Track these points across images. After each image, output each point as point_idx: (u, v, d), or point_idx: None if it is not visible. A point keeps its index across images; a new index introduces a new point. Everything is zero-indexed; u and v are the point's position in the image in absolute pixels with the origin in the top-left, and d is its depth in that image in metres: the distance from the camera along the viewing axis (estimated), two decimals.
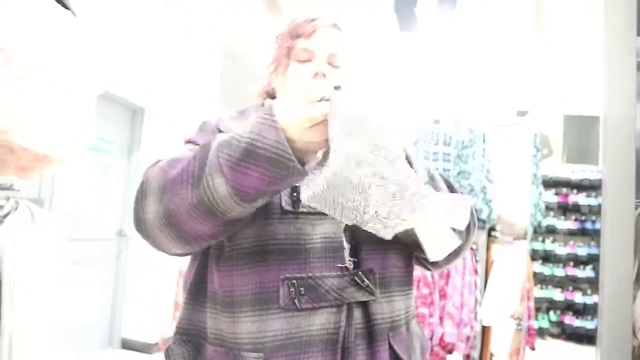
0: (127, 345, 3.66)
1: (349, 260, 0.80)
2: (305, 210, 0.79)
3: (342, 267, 0.79)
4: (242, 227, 0.75)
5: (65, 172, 2.76)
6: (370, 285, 0.79)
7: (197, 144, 0.84)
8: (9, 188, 1.37)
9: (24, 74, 1.15)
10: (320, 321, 0.76)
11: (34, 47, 1.18)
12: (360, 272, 0.79)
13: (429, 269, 0.95)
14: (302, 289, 0.75)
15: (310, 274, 0.76)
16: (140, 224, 0.73)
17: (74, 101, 1.31)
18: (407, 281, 0.89)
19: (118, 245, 3.61)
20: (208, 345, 0.79)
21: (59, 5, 1.30)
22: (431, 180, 0.86)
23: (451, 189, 0.90)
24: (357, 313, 0.79)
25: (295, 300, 0.75)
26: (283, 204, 0.78)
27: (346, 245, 0.81)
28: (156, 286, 3.71)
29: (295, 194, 0.78)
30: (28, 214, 1.33)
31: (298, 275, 0.76)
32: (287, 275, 0.76)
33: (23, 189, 1.45)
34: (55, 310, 1.35)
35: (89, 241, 3.27)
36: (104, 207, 3.45)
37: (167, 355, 0.83)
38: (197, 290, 0.83)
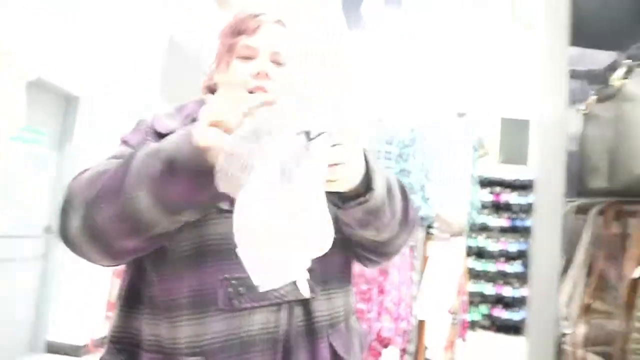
0: (52, 348, 3.46)
1: None
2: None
3: None
4: (179, 229, 0.72)
5: None
6: (310, 282, 0.77)
7: (131, 145, 0.81)
8: None
9: None
10: (260, 321, 0.75)
11: None
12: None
13: (367, 265, 0.95)
14: (241, 288, 0.74)
15: (246, 275, 0.75)
16: (66, 238, 0.71)
17: (2, 88, 1.22)
18: (346, 278, 0.89)
19: (46, 243, 3.40)
20: (144, 353, 0.76)
21: None
22: (388, 192, 0.79)
23: (405, 198, 0.85)
24: (298, 311, 0.78)
25: (235, 301, 0.73)
26: (221, 204, 0.76)
27: None
28: (86, 285, 3.52)
29: None
30: None
31: (236, 275, 0.73)
32: (226, 276, 0.74)
33: None
34: None
35: (14, 238, 3.06)
36: (32, 202, 3.24)
37: None
38: (132, 296, 0.80)
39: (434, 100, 4.83)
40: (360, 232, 0.80)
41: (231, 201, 0.74)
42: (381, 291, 3.28)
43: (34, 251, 3.32)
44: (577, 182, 1.21)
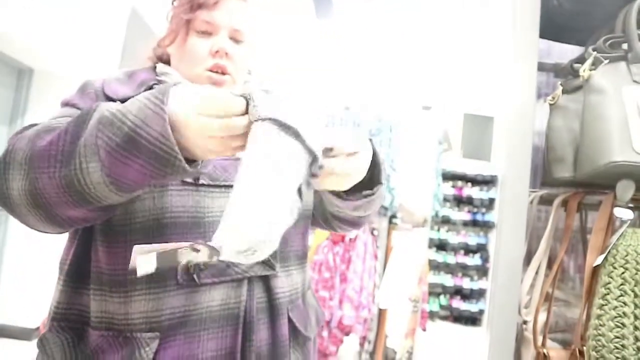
0: (2, 332, 3.30)
1: None
2: (205, 182, 0.75)
3: None
4: (135, 200, 0.70)
5: None
6: (271, 259, 0.78)
7: (79, 109, 0.74)
8: None
9: None
10: (220, 296, 0.73)
11: None
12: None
13: (336, 232, 0.96)
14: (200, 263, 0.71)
15: None
16: (5, 200, 0.64)
17: None
18: (303, 254, 0.88)
19: None
20: (92, 331, 0.72)
21: None
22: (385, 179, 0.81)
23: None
24: (258, 288, 0.77)
25: (194, 276, 0.71)
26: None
27: None
28: (37, 264, 3.37)
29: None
30: None
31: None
32: None
33: None
34: None
35: None
36: None
37: (40, 346, 0.74)
38: (77, 271, 0.75)
39: (401, 91, 4.85)
40: (350, 213, 0.81)
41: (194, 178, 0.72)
42: (344, 279, 3.29)
43: None
44: (541, 173, 1.22)
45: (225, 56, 0.81)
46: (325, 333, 3.35)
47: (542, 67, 1.24)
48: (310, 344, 0.88)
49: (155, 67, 0.88)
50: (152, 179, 0.58)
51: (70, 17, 3.42)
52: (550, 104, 1.13)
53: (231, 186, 0.72)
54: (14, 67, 3.22)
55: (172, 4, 0.87)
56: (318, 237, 3.56)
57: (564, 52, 1.40)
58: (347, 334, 3.32)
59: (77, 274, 0.75)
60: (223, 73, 0.81)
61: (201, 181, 0.75)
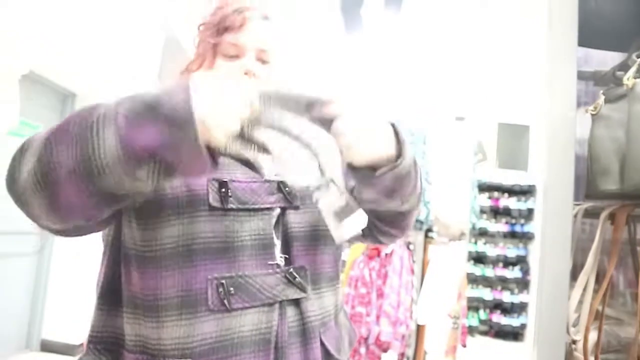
0: (47, 347, 3.41)
1: (280, 257, 0.78)
2: (234, 207, 0.74)
3: (273, 264, 0.76)
4: (165, 226, 0.71)
5: None
6: (302, 282, 0.77)
7: None
8: None
9: None
10: (252, 321, 0.72)
11: None
12: (292, 270, 0.77)
13: (381, 242, 0.93)
14: (231, 288, 0.71)
15: (240, 273, 0.72)
16: (12, 185, 0.65)
17: None
18: (335, 275, 0.87)
19: (41, 239, 3.36)
20: (127, 354, 0.72)
21: None
22: (414, 163, 0.78)
23: (419, 174, 0.83)
24: (290, 311, 0.76)
25: (225, 301, 0.71)
26: (211, 201, 0.73)
27: (277, 242, 0.78)
28: (81, 282, 3.48)
29: (223, 189, 0.74)
30: None
31: (227, 274, 0.72)
32: (216, 275, 0.71)
33: None
34: None
35: (8, 235, 3.02)
36: None
37: None
38: (110, 294, 0.76)
39: (433, 103, 4.81)
40: (385, 203, 0.77)
41: (221, 199, 0.73)
42: (380, 295, 3.25)
43: (29, 247, 3.28)
44: (584, 185, 1.18)
45: (253, 77, 0.81)
46: (362, 350, 3.31)
47: (581, 76, 1.21)
48: None
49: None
50: (162, 147, 0.58)
51: (109, 45, 3.55)
52: (592, 114, 1.10)
53: (260, 209, 0.76)
54: (59, 93, 3.37)
55: (199, 28, 0.87)
56: (353, 253, 3.54)
57: (603, 60, 1.37)
58: (385, 350, 3.26)
59: (110, 297, 0.76)
60: None
61: (230, 205, 0.74)
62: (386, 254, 3.33)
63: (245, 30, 0.82)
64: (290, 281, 0.76)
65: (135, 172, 0.59)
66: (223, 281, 0.71)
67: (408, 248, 3.40)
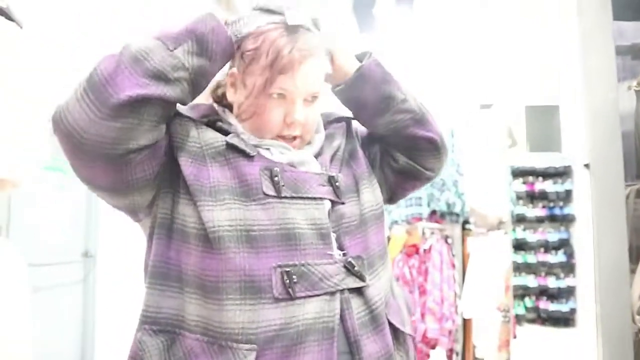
0: None
1: (338, 252, 0.79)
2: (288, 195, 0.76)
3: (331, 254, 0.77)
4: (222, 209, 0.72)
5: (22, 194, 2.60)
6: (361, 271, 0.78)
7: None
8: None
9: None
10: (314, 309, 0.73)
11: None
12: (350, 259, 0.78)
13: (425, 168, 0.95)
14: (295, 277, 0.72)
15: (302, 261, 0.73)
16: (67, 105, 0.71)
17: (28, 119, 1.21)
18: (384, 250, 0.88)
19: (84, 267, 3.44)
20: (187, 334, 0.73)
21: (2, 18, 1.20)
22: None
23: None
24: (355, 302, 0.77)
25: (290, 289, 0.71)
26: (264, 189, 0.75)
27: (332, 234, 0.80)
28: (128, 306, 3.55)
29: (276, 177, 0.76)
30: None
31: (291, 262, 0.73)
32: (280, 263, 0.72)
33: None
34: (20, 344, 1.24)
35: (52, 265, 3.11)
36: (66, 228, 3.29)
37: (139, 350, 0.74)
38: (165, 273, 0.75)
39: (458, 94, 4.73)
40: (385, 108, 0.88)
41: (274, 187, 0.76)
42: (423, 292, 3.20)
43: (73, 276, 3.36)
44: (633, 164, 1.14)
45: (299, 126, 0.81)
46: None
47: (617, 50, 1.16)
48: (409, 340, 0.87)
49: (213, 106, 0.90)
50: (192, 37, 0.75)
51: None
52: (636, 90, 1.05)
53: (314, 198, 0.78)
54: None
55: (242, 59, 0.81)
56: (391, 252, 3.51)
57: (638, 32, 1.31)
58: (432, 347, 3.22)
59: (164, 276, 0.75)
60: (294, 138, 0.83)
61: (284, 194, 0.76)
62: (424, 250, 3.29)
63: (299, 73, 0.78)
64: (349, 270, 0.77)
65: (175, 53, 0.72)
66: (287, 269, 0.72)
67: (446, 242, 3.35)
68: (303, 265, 0.73)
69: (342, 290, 0.76)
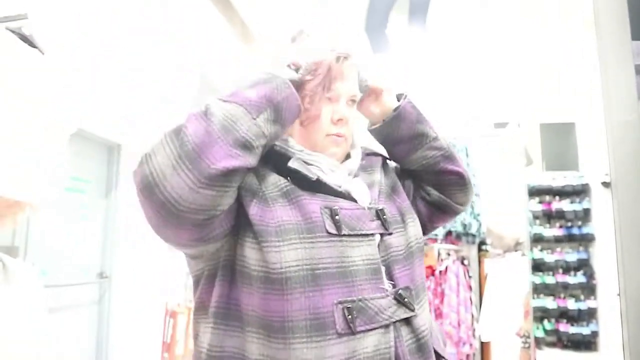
0: None
1: (388, 283, 0.82)
2: (346, 232, 0.80)
3: (383, 287, 0.80)
4: (289, 249, 0.75)
5: (40, 217, 2.63)
6: (410, 301, 0.81)
7: None
8: None
9: None
10: (373, 343, 0.76)
11: (1, 89, 1.10)
12: (400, 291, 0.81)
13: (456, 202, 1.03)
14: (355, 312, 0.75)
15: (360, 297, 0.77)
16: (157, 167, 0.70)
17: (46, 142, 1.23)
18: (424, 282, 0.91)
19: (100, 288, 3.46)
20: None
21: (24, 44, 1.23)
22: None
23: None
24: (404, 331, 0.80)
25: (351, 325, 0.74)
26: (327, 227, 0.79)
27: (382, 267, 0.83)
28: (142, 328, 3.54)
29: (336, 217, 0.80)
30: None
31: (349, 298, 0.76)
32: (340, 299, 0.75)
33: None
34: None
35: (69, 286, 3.12)
36: (83, 250, 3.31)
37: None
38: (227, 313, 0.78)
39: (472, 113, 4.72)
40: (415, 128, 0.97)
41: (335, 225, 0.80)
42: (439, 314, 3.15)
43: (89, 297, 3.38)
44: None
45: (346, 123, 0.90)
46: None
47: (637, 70, 1.15)
48: None
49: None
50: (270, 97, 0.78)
51: (146, 92, 3.69)
52: None
53: (366, 235, 0.82)
54: (104, 145, 3.50)
55: (305, 80, 0.88)
56: None
57: None
58: None
59: (224, 316, 0.78)
60: (340, 136, 0.90)
61: (343, 232, 0.79)
62: (440, 272, 3.24)
63: (346, 79, 0.89)
64: (399, 302, 0.80)
65: (259, 120, 0.75)
66: (349, 305, 0.75)
67: (463, 263, 3.30)
68: (360, 300, 0.76)
69: (395, 322, 0.79)
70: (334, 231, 0.79)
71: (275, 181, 0.83)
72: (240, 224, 0.79)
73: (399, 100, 0.99)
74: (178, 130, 0.72)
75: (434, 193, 1.01)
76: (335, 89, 0.89)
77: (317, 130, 0.89)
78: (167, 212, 0.69)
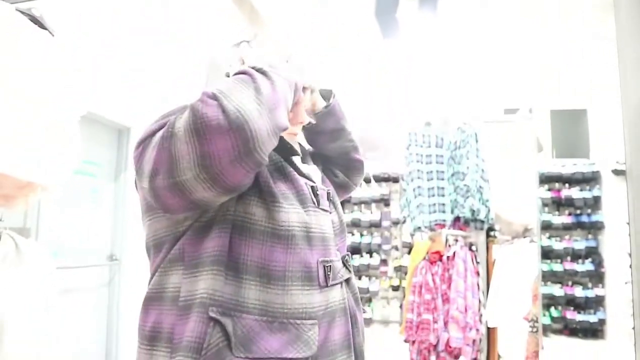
0: None
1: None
2: (320, 207, 0.98)
3: (337, 253, 0.99)
4: (293, 212, 0.91)
5: (51, 199, 2.66)
6: (349, 265, 1.03)
7: None
8: None
9: (2, 99, 1.08)
10: (336, 295, 0.95)
11: (12, 70, 1.10)
12: (345, 257, 1.02)
13: (352, 189, 1.30)
14: (328, 270, 0.93)
15: (329, 258, 0.95)
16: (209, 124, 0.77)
17: (58, 124, 1.24)
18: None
19: (110, 271, 3.50)
20: (244, 315, 0.83)
21: (35, 26, 1.23)
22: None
23: None
24: (346, 288, 1.00)
25: (327, 279, 0.93)
26: (313, 200, 0.97)
27: None
28: None
29: (317, 192, 0.99)
30: (12, 245, 1.25)
31: (326, 259, 0.94)
32: (321, 259, 0.93)
33: (7, 218, 1.37)
34: (47, 344, 1.26)
35: (79, 268, 3.16)
36: (93, 232, 3.35)
37: (206, 330, 0.81)
38: (225, 262, 0.85)
39: (481, 99, 4.67)
40: (341, 135, 1.21)
41: (317, 199, 0.98)
42: (446, 300, 3.15)
43: (99, 279, 3.42)
44: None
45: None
46: (433, 357, 3.22)
47: None
48: None
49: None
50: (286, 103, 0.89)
51: (155, 76, 3.69)
52: None
53: (326, 210, 1.02)
54: (114, 128, 3.51)
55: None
56: (414, 259, 3.47)
57: None
58: (456, 357, 3.16)
59: (228, 266, 0.85)
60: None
61: (320, 206, 0.99)
62: (448, 257, 3.24)
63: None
64: (344, 265, 1.01)
65: (274, 115, 0.83)
66: (326, 264, 0.93)
67: (470, 249, 3.29)
68: (330, 261, 0.95)
69: (343, 281, 0.99)
70: (314, 204, 0.97)
71: (270, 155, 0.95)
72: None
73: (326, 98, 1.18)
74: (252, 81, 0.83)
75: (341, 175, 1.25)
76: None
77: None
78: (246, 148, 0.77)
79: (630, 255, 0.97)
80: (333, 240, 0.99)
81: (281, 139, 0.95)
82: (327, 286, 0.92)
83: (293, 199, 0.93)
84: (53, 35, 1.29)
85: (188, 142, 0.76)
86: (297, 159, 1.06)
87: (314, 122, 1.13)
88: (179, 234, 0.88)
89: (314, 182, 1.04)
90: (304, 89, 1.07)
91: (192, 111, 0.78)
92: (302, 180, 0.98)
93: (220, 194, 0.82)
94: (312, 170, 1.11)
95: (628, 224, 1.02)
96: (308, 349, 0.86)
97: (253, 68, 0.86)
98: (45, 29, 1.27)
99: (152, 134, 0.85)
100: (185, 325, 0.82)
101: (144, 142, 0.86)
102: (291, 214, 0.90)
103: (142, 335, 0.90)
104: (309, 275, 0.89)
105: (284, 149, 1.00)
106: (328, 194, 1.05)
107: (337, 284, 0.96)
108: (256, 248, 0.86)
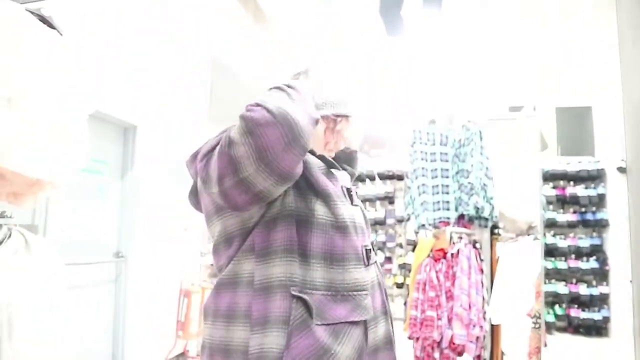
0: None
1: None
2: (353, 203, 1.19)
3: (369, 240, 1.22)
4: (341, 206, 1.12)
5: (59, 196, 2.68)
6: (375, 251, 1.23)
7: None
8: (1, 215, 1.32)
9: (13, 97, 1.10)
10: (373, 273, 1.16)
11: (22, 69, 1.13)
12: (371, 244, 1.21)
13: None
14: (369, 252, 1.15)
15: (366, 243, 1.17)
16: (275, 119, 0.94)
17: (66, 123, 1.26)
18: None
19: (116, 268, 3.53)
20: (314, 292, 1.03)
21: (44, 25, 1.24)
22: None
23: None
24: (377, 268, 1.20)
25: (368, 260, 1.14)
26: (347, 198, 1.17)
27: None
28: (157, 307, 3.61)
29: (351, 193, 1.20)
30: (22, 241, 1.27)
31: (365, 244, 1.15)
32: (362, 244, 1.14)
33: (16, 215, 1.40)
34: (54, 339, 1.29)
35: (86, 265, 3.19)
36: (100, 229, 3.38)
37: (290, 306, 1.00)
38: (294, 249, 1.05)
39: (486, 97, 4.66)
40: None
41: (350, 198, 1.20)
42: (450, 297, 3.17)
43: (105, 276, 3.45)
44: None
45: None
46: (437, 354, 3.23)
47: None
48: None
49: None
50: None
51: (161, 75, 3.71)
52: None
53: (357, 205, 1.22)
54: (120, 126, 3.53)
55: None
56: (418, 256, 3.48)
57: None
58: (460, 354, 3.17)
59: (293, 251, 1.05)
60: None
61: (354, 203, 1.19)
62: (452, 255, 3.25)
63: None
64: (372, 250, 1.20)
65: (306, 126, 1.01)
66: (366, 248, 1.15)
67: (474, 247, 3.30)
68: (367, 245, 1.16)
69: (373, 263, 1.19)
70: (349, 201, 1.17)
71: (317, 162, 1.16)
72: (301, 186, 1.09)
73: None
74: (282, 90, 1.03)
75: None
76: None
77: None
78: (293, 134, 0.94)
79: (630, 248, 0.98)
80: (365, 229, 1.20)
81: (323, 156, 1.20)
82: (368, 265, 1.14)
83: (338, 197, 1.13)
84: (61, 35, 1.31)
85: (244, 143, 0.92)
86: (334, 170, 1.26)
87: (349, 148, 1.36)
88: (249, 229, 1.07)
89: (347, 185, 1.24)
90: (346, 117, 1.27)
91: (242, 119, 0.93)
92: (338, 184, 1.18)
93: (277, 183, 0.97)
94: (344, 174, 1.27)
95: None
96: (367, 313, 1.08)
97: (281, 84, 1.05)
98: (54, 28, 1.29)
99: (212, 148, 1.01)
100: (267, 303, 1.02)
101: (206, 156, 1.01)
102: (343, 209, 1.12)
103: (215, 314, 1.08)
104: (357, 257, 1.11)
105: (328, 162, 1.21)
106: (356, 193, 1.24)
107: (373, 263, 1.17)
108: (320, 237, 1.07)
